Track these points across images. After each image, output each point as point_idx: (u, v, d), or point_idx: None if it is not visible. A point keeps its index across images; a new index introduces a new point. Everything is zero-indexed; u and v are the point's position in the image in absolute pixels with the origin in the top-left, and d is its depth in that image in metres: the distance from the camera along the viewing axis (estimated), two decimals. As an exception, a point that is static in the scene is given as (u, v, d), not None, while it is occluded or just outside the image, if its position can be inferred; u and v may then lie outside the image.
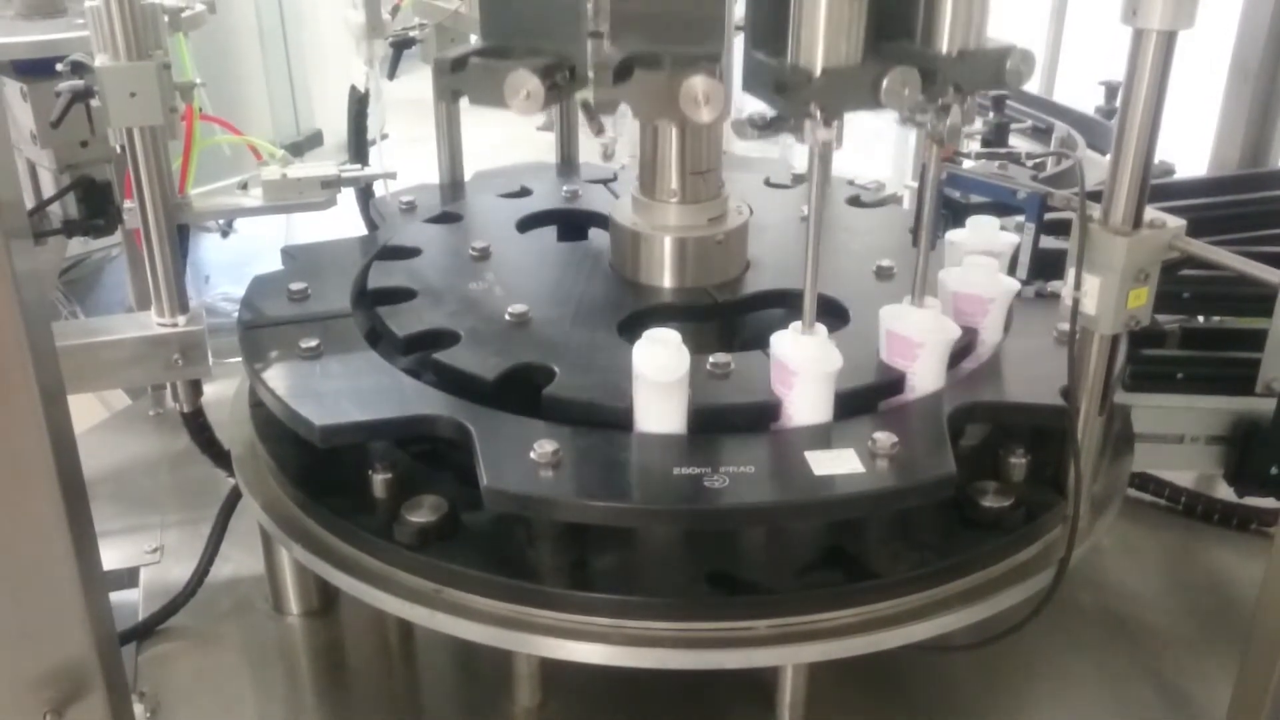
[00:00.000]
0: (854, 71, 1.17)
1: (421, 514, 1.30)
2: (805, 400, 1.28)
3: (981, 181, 1.49)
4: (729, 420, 1.30)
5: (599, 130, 1.41)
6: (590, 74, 1.37)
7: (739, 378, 1.36)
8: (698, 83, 1.29)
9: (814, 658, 1.28)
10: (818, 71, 1.16)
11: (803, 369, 1.27)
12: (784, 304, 1.59)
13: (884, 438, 1.24)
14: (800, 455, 1.23)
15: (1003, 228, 1.54)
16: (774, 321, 1.52)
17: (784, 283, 1.62)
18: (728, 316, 1.62)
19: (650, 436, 1.27)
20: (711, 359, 1.37)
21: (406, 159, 2.23)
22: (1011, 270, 1.49)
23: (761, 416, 1.31)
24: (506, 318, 1.51)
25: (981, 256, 1.48)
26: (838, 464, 1.22)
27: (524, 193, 2.01)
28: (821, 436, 1.27)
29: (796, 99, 1.16)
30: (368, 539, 1.32)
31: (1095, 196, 1.26)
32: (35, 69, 1.90)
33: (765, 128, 1.21)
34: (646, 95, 1.41)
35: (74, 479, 0.96)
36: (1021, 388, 1.40)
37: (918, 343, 1.33)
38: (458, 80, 1.40)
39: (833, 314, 1.52)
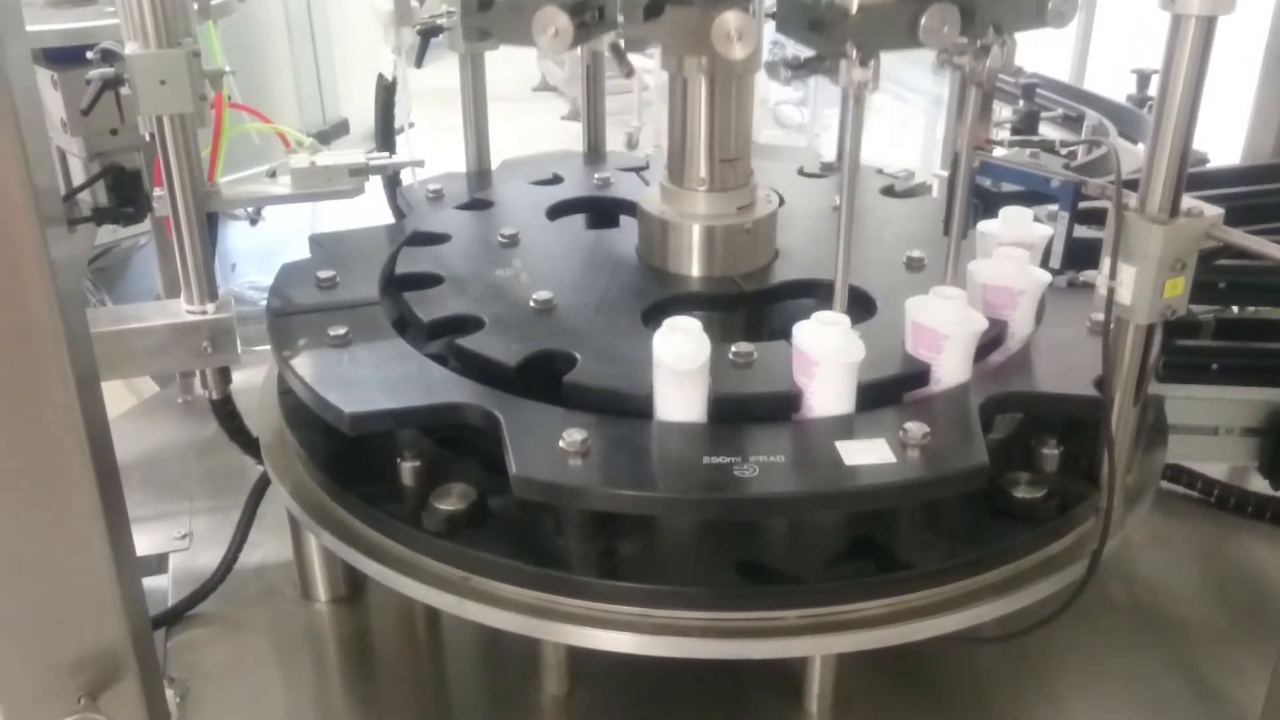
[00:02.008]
0: (891, 8, 1.15)
1: (450, 502, 1.30)
2: (827, 391, 1.26)
3: (1015, 170, 1.47)
4: (750, 410, 1.29)
5: (628, 73, 1.38)
6: (620, 12, 1.34)
7: (761, 367, 1.35)
8: (730, 18, 1.26)
9: (843, 648, 1.27)
10: (854, 8, 1.13)
11: (824, 359, 1.25)
12: (811, 294, 1.58)
13: (915, 428, 1.22)
14: (830, 445, 1.22)
15: (1035, 218, 1.53)
16: (803, 311, 1.50)
17: (812, 272, 1.61)
18: (754, 306, 1.61)
19: (679, 425, 1.26)
20: (734, 348, 1.36)
21: (431, 148, 2.23)
22: (1045, 260, 1.47)
23: (782, 407, 1.30)
24: (531, 304, 1.51)
25: (1012, 248, 1.46)
26: (869, 454, 1.21)
27: (554, 180, 2.01)
28: (851, 426, 1.26)
29: (832, 36, 1.14)
30: (396, 526, 1.32)
31: (1131, 185, 1.25)
32: (65, 57, 1.90)
33: (799, 68, 1.19)
34: (677, 32, 1.39)
35: (108, 465, 0.97)
36: (1054, 378, 1.38)
37: (943, 335, 1.32)
38: (485, 19, 1.38)
39: (860, 305, 1.50)
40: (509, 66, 1.84)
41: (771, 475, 1.18)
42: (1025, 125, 2.63)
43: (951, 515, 1.30)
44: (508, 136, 2.11)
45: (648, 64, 7.07)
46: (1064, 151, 1.81)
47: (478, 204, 1.90)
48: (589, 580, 1.23)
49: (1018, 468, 1.36)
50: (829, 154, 2.19)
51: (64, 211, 1.77)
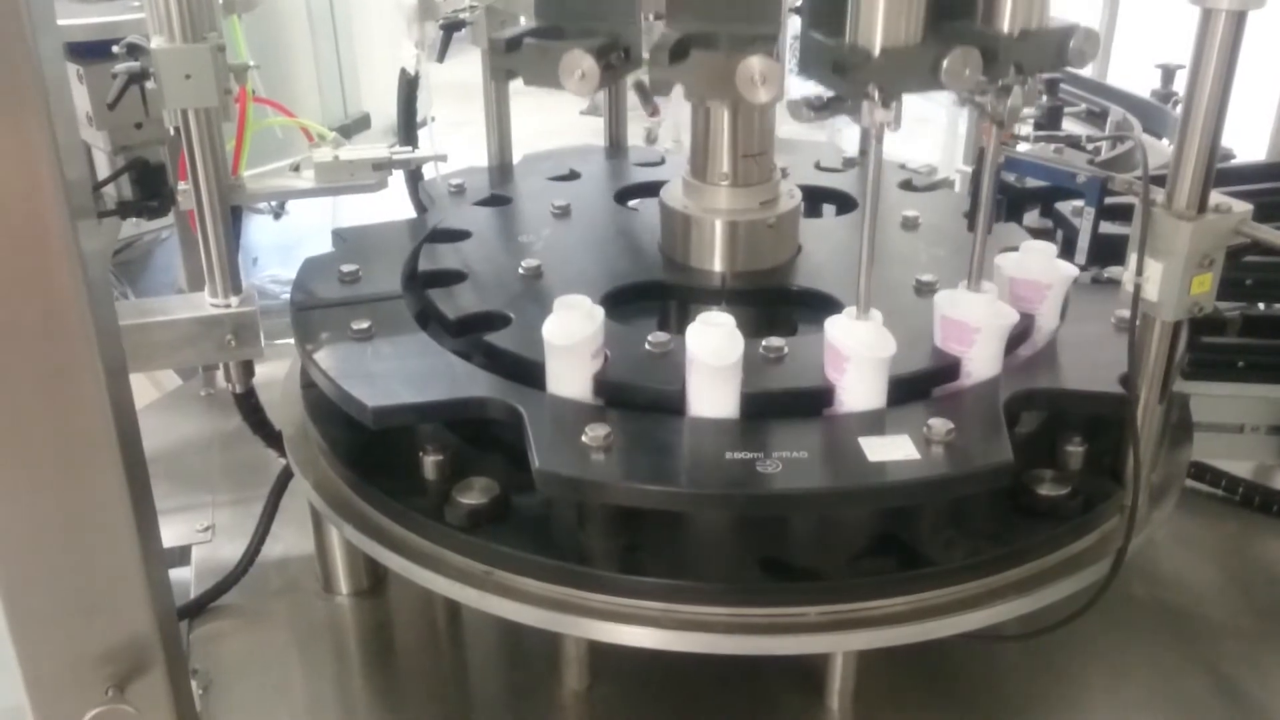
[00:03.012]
0: (914, 51, 1.15)
1: (472, 496, 1.30)
2: (858, 386, 1.26)
3: (1040, 165, 1.46)
4: (781, 405, 1.29)
5: (653, 111, 1.40)
6: (646, 54, 1.36)
7: (793, 362, 1.35)
8: (755, 63, 1.28)
9: (865, 645, 1.27)
10: (877, 51, 1.14)
11: (856, 354, 1.25)
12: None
13: (939, 424, 1.22)
14: (854, 441, 1.22)
15: (1068, 213, 1.51)
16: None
17: (838, 268, 1.61)
18: (786, 303, 1.61)
19: (702, 421, 1.26)
20: (764, 343, 1.36)
21: (451, 143, 2.23)
22: (1070, 254, 1.46)
23: (814, 402, 1.30)
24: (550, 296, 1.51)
25: (1039, 241, 1.46)
26: (892, 450, 1.20)
27: (572, 176, 2.01)
28: (875, 422, 1.26)
29: (855, 80, 1.14)
30: (419, 520, 1.32)
31: (1157, 180, 1.24)
32: (90, 51, 1.91)
33: (822, 109, 1.20)
34: (702, 75, 1.40)
35: (136, 456, 0.98)
36: (1079, 374, 1.37)
37: (974, 328, 1.32)
38: (512, 60, 1.40)
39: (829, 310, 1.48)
40: (527, 60, 1.86)
41: (794, 471, 1.18)
42: (1048, 120, 2.61)
43: (975, 512, 1.30)
44: (525, 130, 2.11)
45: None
46: (1090, 147, 1.80)
47: (499, 199, 1.91)
48: (611, 575, 1.23)
49: (1042, 465, 1.35)
50: (850, 148, 2.18)
51: (94, 204, 1.78)
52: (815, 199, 1.89)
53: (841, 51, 1.16)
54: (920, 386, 1.34)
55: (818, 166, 2.04)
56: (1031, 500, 1.31)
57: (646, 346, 1.37)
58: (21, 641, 0.95)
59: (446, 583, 1.29)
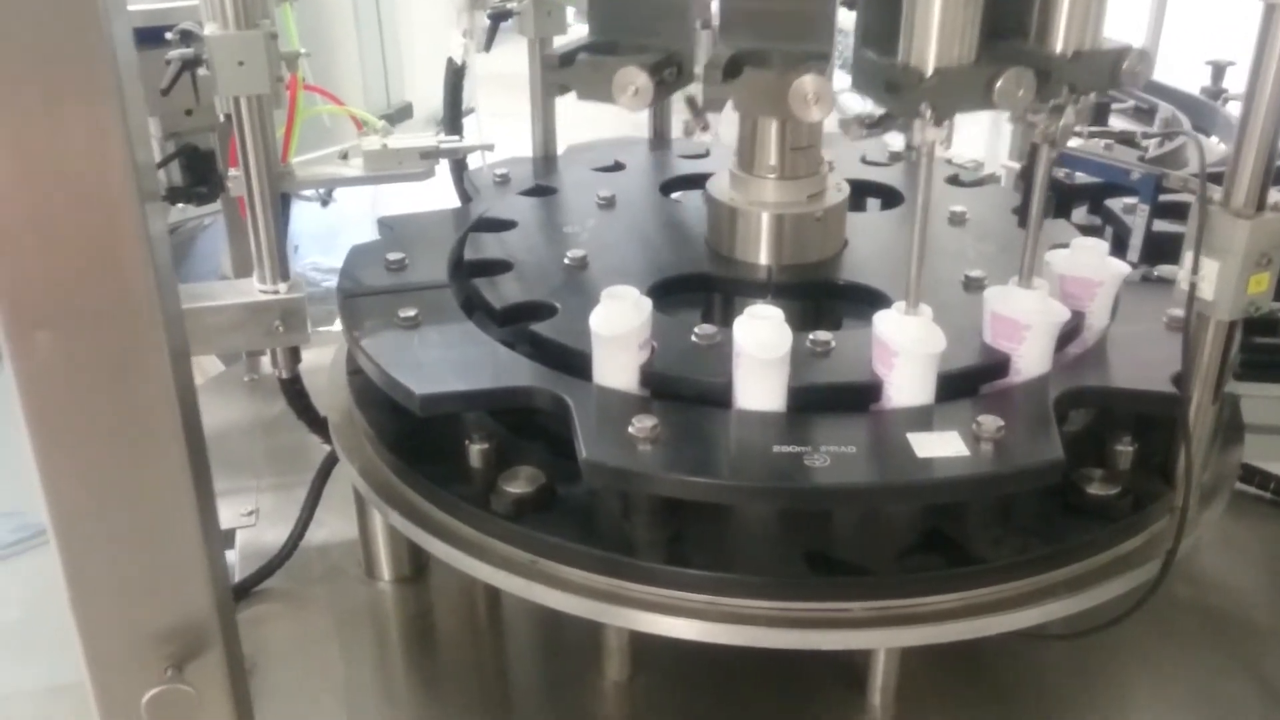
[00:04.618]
0: (966, 71, 1.14)
1: (518, 485, 1.30)
2: (907, 381, 1.25)
3: (1094, 161, 1.45)
4: (828, 399, 1.29)
5: (704, 128, 1.42)
6: (699, 71, 1.37)
7: (840, 356, 1.34)
8: (808, 82, 1.29)
9: (911, 642, 1.26)
10: (929, 71, 1.13)
11: (904, 349, 1.24)
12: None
13: (989, 421, 1.21)
14: (902, 437, 1.21)
15: (1119, 210, 1.50)
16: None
17: (884, 263, 1.60)
18: (831, 297, 1.60)
19: (749, 414, 1.26)
20: (811, 336, 1.36)
21: (491, 134, 2.23)
22: (1121, 252, 1.45)
23: (861, 396, 1.29)
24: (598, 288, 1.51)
25: (1090, 239, 1.44)
26: (941, 446, 1.20)
27: (617, 167, 2.01)
28: (924, 418, 1.25)
29: (908, 99, 1.14)
30: (464, 508, 1.33)
31: (1215, 178, 1.22)
32: (144, 38, 1.91)
33: (873, 126, 1.20)
34: (755, 93, 1.41)
35: (197, 437, 0.99)
36: (1130, 373, 1.36)
37: (1024, 325, 1.30)
38: (565, 75, 1.41)
39: (874, 305, 1.48)
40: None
41: (842, 466, 1.18)
42: (1095, 117, 2.58)
43: (1023, 510, 1.29)
44: (564, 120, 2.11)
45: (705, 51, 7.07)
46: (1145, 143, 1.78)
47: (544, 190, 1.91)
48: (657, 566, 1.23)
49: (1090, 463, 1.34)
50: (896, 143, 2.17)
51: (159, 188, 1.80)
52: (861, 193, 1.88)
53: (895, 71, 1.16)
54: (968, 383, 1.33)
55: (864, 160, 2.03)
56: (1080, 499, 1.29)
57: (693, 338, 1.36)
58: (84, 620, 0.97)
59: (491, 571, 1.29)
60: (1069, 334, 1.39)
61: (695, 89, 1.48)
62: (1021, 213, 1.48)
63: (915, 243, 1.23)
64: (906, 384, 1.26)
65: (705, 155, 2.09)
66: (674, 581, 1.23)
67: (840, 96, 1.32)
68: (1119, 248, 1.65)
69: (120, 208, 0.82)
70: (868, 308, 1.42)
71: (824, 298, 1.61)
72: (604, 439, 1.22)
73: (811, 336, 1.35)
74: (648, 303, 1.32)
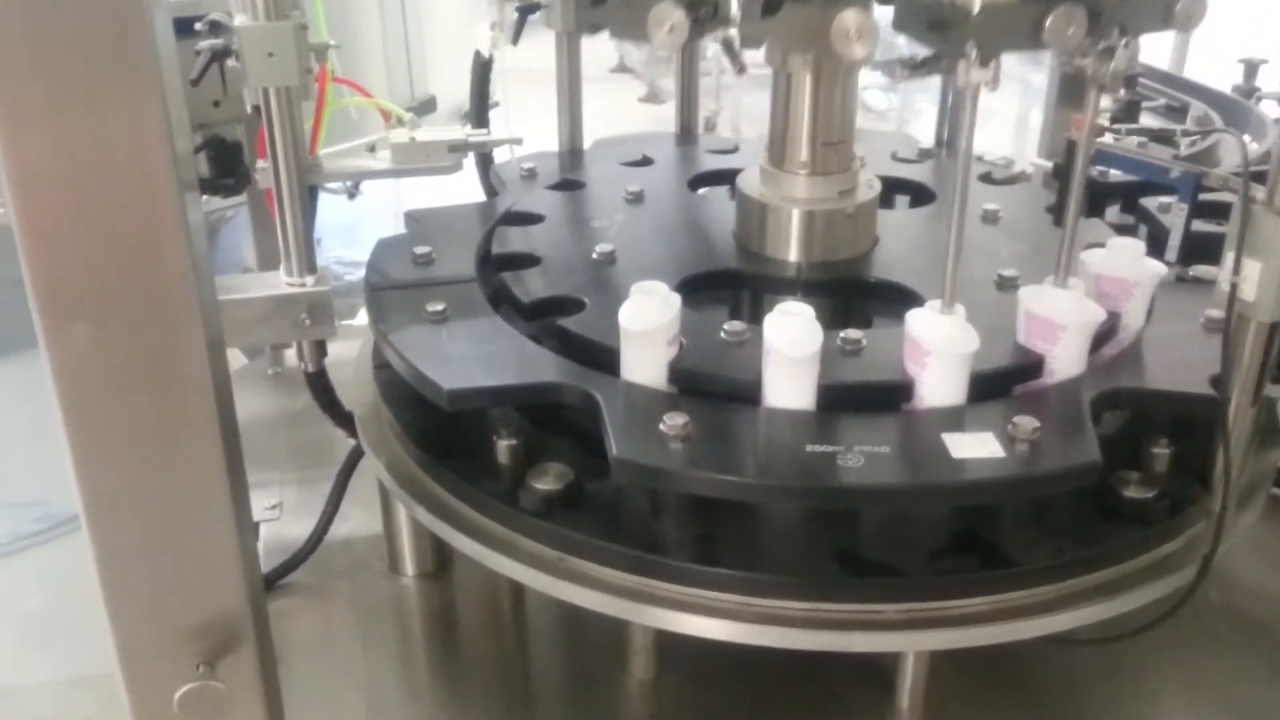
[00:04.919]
0: (1015, 9, 1.11)
1: (547, 482, 1.29)
2: (939, 381, 1.24)
3: (1131, 158, 1.43)
4: (859, 398, 1.27)
5: (741, 69, 1.37)
6: (736, 7, 1.33)
7: (870, 355, 1.33)
8: (850, 17, 1.24)
9: (944, 645, 1.25)
10: (976, 8, 1.10)
11: (937, 349, 1.23)
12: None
13: (1024, 422, 1.19)
14: (936, 437, 1.20)
15: (1152, 209, 1.48)
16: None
17: (916, 261, 1.58)
18: (862, 295, 1.59)
19: (781, 412, 1.24)
20: (842, 335, 1.34)
21: (517, 127, 2.22)
22: (1157, 251, 1.42)
23: (892, 396, 1.28)
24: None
25: (1126, 238, 1.42)
26: (976, 447, 1.18)
27: (645, 161, 2.00)
28: (958, 418, 1.23)
29: (953, 38, 1.11)
30: (492, 504, 1.32)
31: (1257, 177, 1.20)
32: (174, 28, 1.91)
33: (917, 68, 1.16)
34: (795, 30, 1.37)
35: (232, 430, 0.98)
36: (1168, 374, 1.34)
37: (1060, 325, 1.29)
38: (599, 14, 1.39)
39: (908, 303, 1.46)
40: (587, 46, 1.84)
41: (876, 466, 1.16)
42: (1126, 114, 2.55)
43: (1057, 512, 1.27)
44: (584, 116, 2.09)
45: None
46: (1186, 142, 1.75)
47: (571, 184, 1.90)
48: (686, 565, 1.22)
49: (1126, 466, 1.32)
50: (925, 139, 2.15)
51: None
52: (890, 190, 1.86)
53: (940, 8, 1.13)
54: (1001, 384, 1.31)
55: (894, 157, 2.01)
56: (1116, 502, 1.28)
57: (722, 335, 1.35)
58: (116, 616, 0.96)
59: (519, 568, 1.28)
60: (1104, 335, 1.37)
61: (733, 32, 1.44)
62: (1057, 211, 1.46)
63: (953, 231, 1.21)
64: (939, 384, 1.24)
65: (734, 150, 2.08)
66: (704, 581, 1.22)
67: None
68: (1154, 247, 1.62)
69: (160, 197, 0.82)
70: (899, 306, 1.40)
71: (854, 295, 1.59)
72: (634, 436, 1.21)
73: (842, 335, 1.34)
74: (677, 298, 1.31)
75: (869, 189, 1.61)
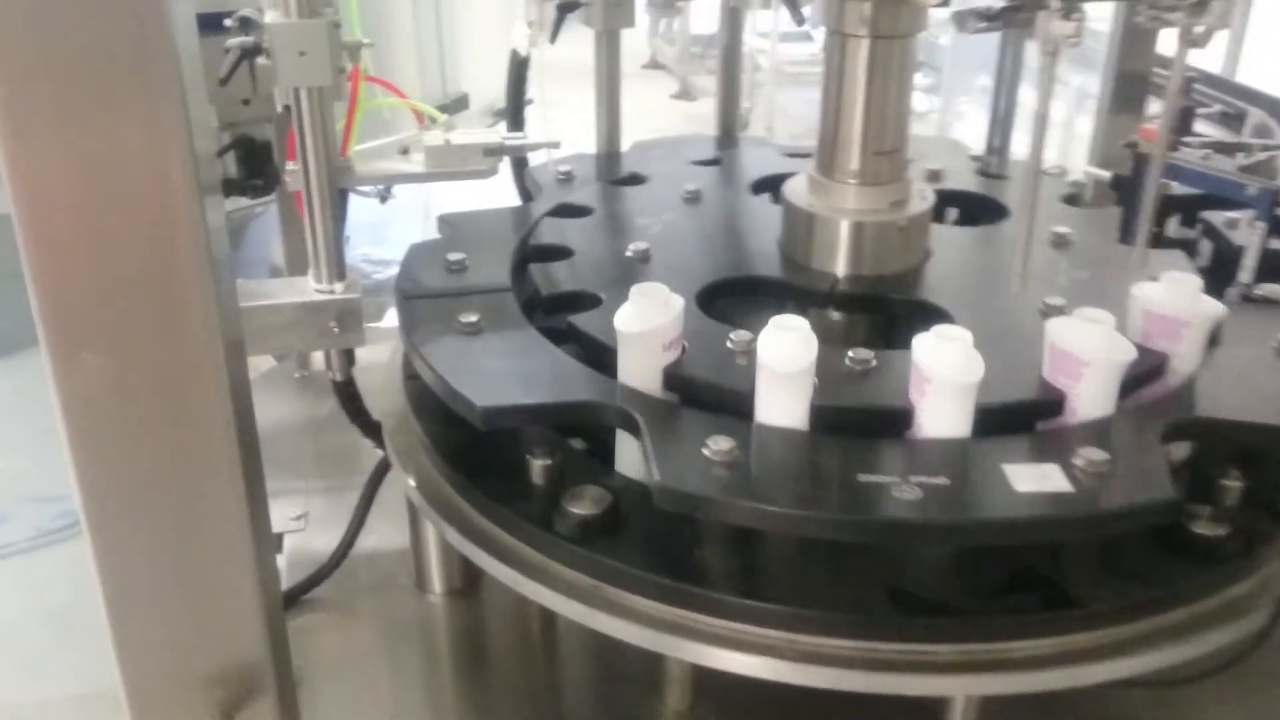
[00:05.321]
0: None
1: (583, 505, 1.23)
2: (939, 410, 1.16)
3: (1203, 173, 1.35)
4: (857, 422, 1.20)
5: (801, 21, 1.29)
6: None
7: (877, 377, 1.26)
8: None
9: (1002, 690, 1.17)
10: None
11: (938, 376, 1.15)
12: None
13: (1092, 454, 1.12)
14: (997, 467, 1.13)
15: (1218, 224, 1.39)
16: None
17: (957, 280, 1.52)
18: (905, 312, 1.51)
19: (830, 439, 1.18)
20: (850, 354, 1.28)
21: (552, 125, 2.16)
22: (1234, 273, 1.34)
23: (892, 422, 1.21)
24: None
25: (1183, 273, 1.32)
26: (1041, 481, 1.11)
27: (686, 164, 1.94)
28: (1021, 447, 1.16)
29: None
30: (525, 528, 1.26)
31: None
32: (202, 24, 1.86)
33: (993, 19, 1.09)
34: None
35: (254, 467, 0.92)
36: (1241, 404, 1.26)
37: (1083, 361, 1.19)
38: None
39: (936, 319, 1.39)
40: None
41: (934, 499, 1.09)
42: (1180, 123, 2.47)
43: (1121, 548, 1.20)
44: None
45: (760, 44, 6.96)
46: (1264, 155, 1.68)
47: (607, 189, 1.84)
48: (729, 599, 1.15)
49: (1193, 499, 1.25)
50: (976, 146, 2.08)
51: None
52: (962, 203, 1.80)
53: None
54: (1018, 419, 1.23)
55: (978, 171, 1.93)
56: (1187, 539, 1.20)
57: (728, 344, 1.29)
58: (127, 663, 0.89)
59: (553, 596, 1.22)
60: (1146, 375, 1.28)
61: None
62: (1124, 228, 1.38)
63: (1027, 215, 1.13)
64: (938, 413, 1.16)
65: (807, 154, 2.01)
66: (747, 615, 1.15)
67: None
68: (1220, 264, 1.55)
69: (176, 200, 0.75)
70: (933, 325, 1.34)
71: (897, 312, 1.52)
72: (677, 461, 1.14)
73: (851, 354, 1.27)
74: (679, 301, 1.26)
75: (921, 200, 1.54)
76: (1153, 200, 1.20)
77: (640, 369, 1.25)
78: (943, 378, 1.15)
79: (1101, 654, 1.14)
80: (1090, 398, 1.21)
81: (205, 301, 0.79)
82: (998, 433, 1.18)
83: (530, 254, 1.62)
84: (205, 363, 0.81)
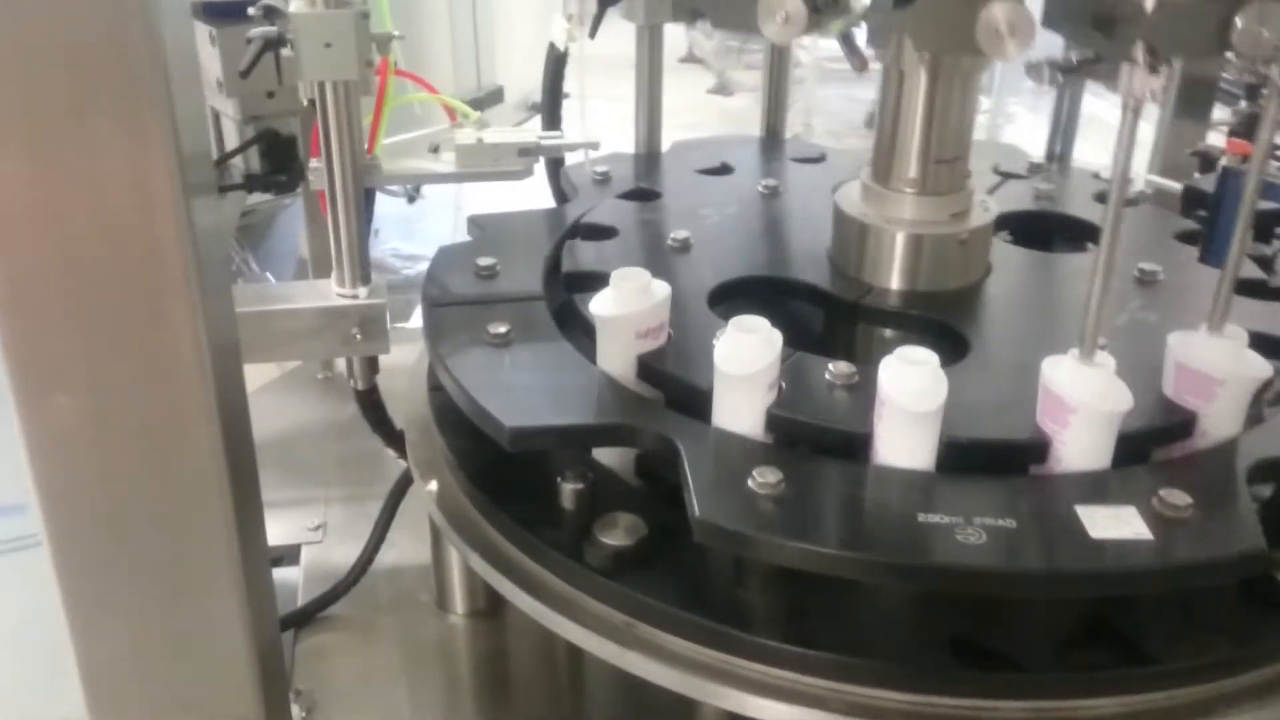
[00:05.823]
0: (1196, 6, 0.95)
1: (616, 536, 1.15)
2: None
3: (1287, 187, 1.25)
4: (982, 458, 1.11)
5: (862, 66, 1.21)
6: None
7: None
8: (1000, 10, 1.08)
9: (1071, 751, 1.08)
10: (1151, 4, 0.94)
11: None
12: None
13: (1174, 497, 1.03)
14: (1070, 510, 1.03)
15: None
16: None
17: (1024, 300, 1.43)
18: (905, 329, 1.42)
19: (889, 471, 1.09)
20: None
21: (588, 120, 2.08)
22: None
23: (1021, 456, 1.12)
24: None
25: (1232, 326, 1.21)
26: (1118, 526, 1.01)
27: (727, 169, 1.85)
28: (1094, 488, 1.07)
29: (1120, 37, 0.95)
30: (554, 557, 1.17)
31: None
32: (225, 12, 1.80)
33: (1070, 72, 1.01)
34: (931, 24, 1.21)
35: (252, 518, 0.82)
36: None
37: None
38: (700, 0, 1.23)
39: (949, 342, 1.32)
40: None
41: (1000, 544, 1.00)
42: (1245, 129, 2.36)
43: (1200, 598, 1.10)
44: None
45: (801, 39, 6.87)
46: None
47: (646, 193, 1.75)
48: (774, 644, 1.06)
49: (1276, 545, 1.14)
50: (1036, 153, 1.98)
51: (216, 178, 1.66)
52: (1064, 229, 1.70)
53: (1107, 3, 0.97)
54: (1141, 445, 1.14)
55: (996, 171, 1.83)
56: (1270, 589, 1.10)
57: (827, 377, 1.20)
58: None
59: (581, 632, 1.14)
60: (1175, 431, 1.16)
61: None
62: (1205, 245, 1.28)
63: (1100, 267, 1.04)
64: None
65: (821, 160, 1.92)
66: (792, 662, 1.06)
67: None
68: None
69: (157, 203, 0.65)
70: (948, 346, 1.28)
71: (900, 329, 1.43)
72: (719, 493, 1.06)
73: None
74: (663, 287, 1.20)
75: (983, 212, 1.45)
76: (1248, 215, 1.10)
77: (615, 355, 1.21)
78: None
79: (1179, 715, 1.04)
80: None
81: (194, 330, 0.70)
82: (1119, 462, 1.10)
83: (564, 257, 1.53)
84: (191, 393, 0.72)
